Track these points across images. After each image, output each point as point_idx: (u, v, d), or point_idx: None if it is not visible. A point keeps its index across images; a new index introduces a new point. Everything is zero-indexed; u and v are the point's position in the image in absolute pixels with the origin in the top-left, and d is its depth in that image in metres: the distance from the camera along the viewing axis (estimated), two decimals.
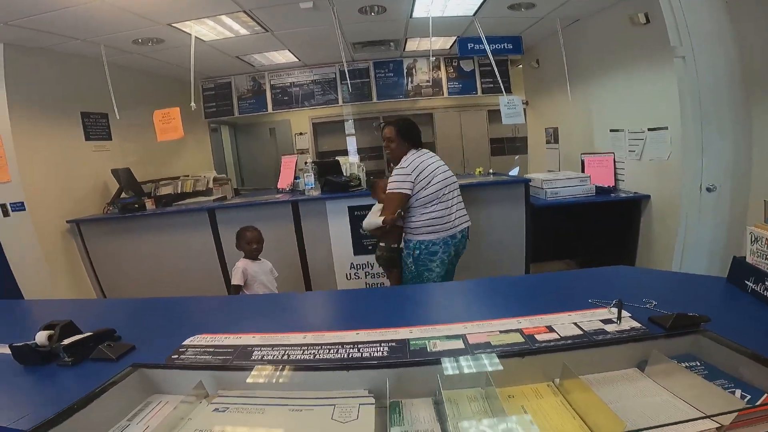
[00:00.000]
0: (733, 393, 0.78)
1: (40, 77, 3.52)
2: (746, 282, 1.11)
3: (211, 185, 4.14)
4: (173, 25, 3.39)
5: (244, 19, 3.55)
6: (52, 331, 1.04)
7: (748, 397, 0.77)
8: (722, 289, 1.18)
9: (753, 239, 1.09)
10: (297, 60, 5.20)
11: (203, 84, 5.57)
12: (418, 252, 2.42)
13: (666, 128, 3.12)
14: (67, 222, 3.63)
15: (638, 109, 3.42)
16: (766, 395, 0.76)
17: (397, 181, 2.36)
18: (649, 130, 3.29)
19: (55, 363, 1.02)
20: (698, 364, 0.89)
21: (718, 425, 0.71)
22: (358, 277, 3.54)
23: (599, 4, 3.59)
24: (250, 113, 5.70)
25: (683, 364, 0.88)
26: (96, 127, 4.05)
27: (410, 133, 2.48)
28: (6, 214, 3.34)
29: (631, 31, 3.30)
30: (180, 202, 3.92)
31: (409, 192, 2.35)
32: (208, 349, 1.03)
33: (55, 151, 3.63)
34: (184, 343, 1.07)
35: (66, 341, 1.02)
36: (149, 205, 3.76)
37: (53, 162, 3.60)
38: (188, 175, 4.35)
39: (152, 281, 3.66)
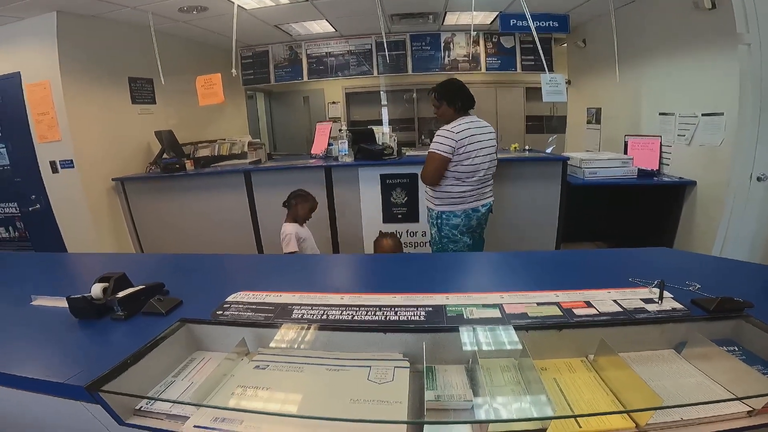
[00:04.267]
0: None
1: (91, 43, 3.63)
2: None
3: (246, 149, 4.22)
4: None
5: None
6: (106, 284, 1.05)
7: None
8: (766, 277, 1.15)
9: None
10: (334, 30, 5.14)
11: (242, 52, 5.62)
12: (440, 221, 2.42)
13: (722, 114, 2.97)
14: (113, 180, 3.80)
15: (692, 94, 3.26)
16: None
17: (440, 142, 2.27)
18: (702, 115, 3.14)
19: (109, 317, 1.03)
20: (737, 349, 0.89)
21: (750, 408, 0.72)
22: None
23: None
24: (286, 81, 5.73)
25: (723, 348, 0.87)
26: (142, 91, 4.18)
27: (454, 95, 2.37)
28: (55, 170, 3.54)
29: (693, 16, 3.13)
30: (217, 164, 4.03)
31: (449, 156, 2.26)
32: (251, 306, 1.05)
33: (103, 113, 3.76)
34: (227, 299, 1.08)
35: (120, 294, 1.04)
36: (189, 166, 3.89)
37: (101, 123, 3.74)
38: (225, 139, 4.44)
39: (189, 239, 3.82)
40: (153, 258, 2.20)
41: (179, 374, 0.91)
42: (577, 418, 0.73)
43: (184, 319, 0.99)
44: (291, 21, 4.64)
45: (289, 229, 2.70)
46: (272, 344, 0.96)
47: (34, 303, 1.15)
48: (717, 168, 3.02)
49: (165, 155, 4.05)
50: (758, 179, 2.81)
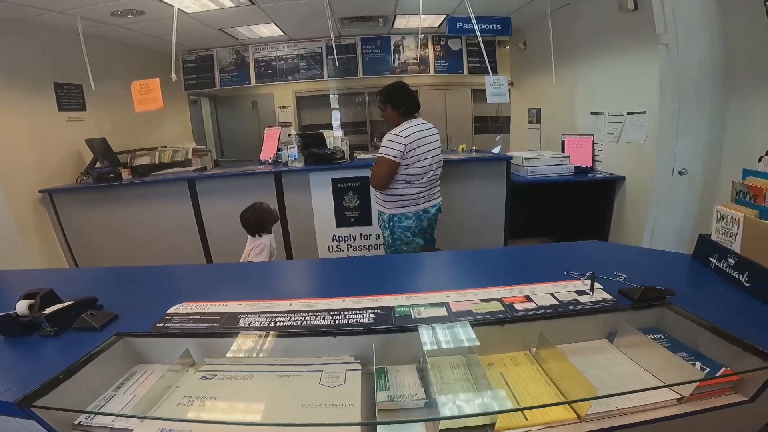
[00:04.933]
0: (694, 365, 0.83)
1: (14, 49, 3.39)
2: (710, 259, 1.17)
3: (190, 156, 4.04)
4: None
5: None
6: (32, 301, 1.01)
7: (707, 369, 0.82)
8: (688, 265, 1.24)
9: (719, 217, 1.15)
10: (283, 34, 5.05)
11: (184, 56, 5.39)
12: (392, 224, 2.44)
13: (644, 113, 3.20)
14: (40, 192, 3.51)
15: (619, 93, 3.48)
16: (724, 368, 0.80)
17: (388, 146, 2.28)
18: (628, 114, 3.37)
19: (37, 334, 0.98)
20: (662, 336, 0.95)
21: (679, 396, 0.77)
22: (340, 249, 3.57)
23: None
24: (232, 86, 5.56)
25: (649, 336, 0.93)
26: (69, 97, 3.90)
27: (398, 99, 2.39)
28: None
29: (619, 17, 3.33)
30: (158, 173, 3.83)
31: (398, 160, 2.28)
32: (193, 317, 1.02)
33: (27, 121, 3.49)
34: (168, 311, 1.05)
35: (48, 310, 1.00)
36: (125, 175, 3.66)
37: (25, 132, 3.47)
38: (166, 146, 4.23)
39: (129, 252, 3.60)
40: (86, 272, 2.10)
41: (120, 388, 0.88)
42: (524, 411, 0.77)
43: (121, 333, 0.96)
44: (237, 25, 4.49)
45: (265, 240, 2.63)
46: (219, 354, 0.93)
47: None
48: (643, 164, 3.25)
49: (98, 164, 3.79)
50: (680, 173, 3.06)
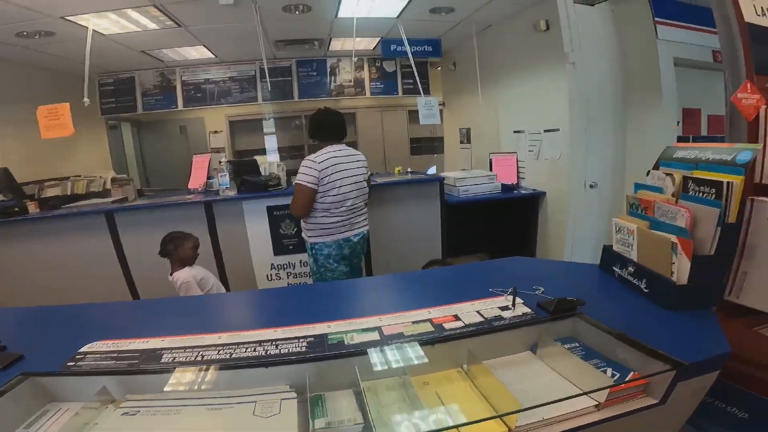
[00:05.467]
0: (605, 372, 0.89)
1: None
2: (614, 268, 1.28)
3: (109, 186, 3.74)
4: (67, 18, 3.02)
5: (154, 14, 3.26)
6: None
7: (617, 375, 0.88)
8: (596, 275, 1.35)
9: (617, 229, 1.28)
10: (213, 56, 4.92)
11: (100, 78, 5.03)
12: (314, 252, 2.43)
13: (558, 130, 3.45)
14: None
15: (537, 112, 3.72)
16: (632, 373, 0.87)
17: (303, 172, 2.26)
18: (545, 131, 3.62)
19: None
20: (578, 345, 1.01)
21: (596, 402, 0.81)
22: (280, 278, 3.46)
23: (510, 10, 3.82)
24: (157, 110, 5.27)
25: (566, 346, 0.99)
26: None
27: (318, 125, 2.40)
28: None
29: (534, 38, 3.56)
30: (71, 205, 3.49)
31: (313, 187, 2.26)
32: (110, 355, 0.96)
33: None
34: (81, 350, 0.99)
35: None
36: (32, 208, 3.30)
37: None
38: (80, 176, 3.89)
39: (41, 292, 3.21)
40: None
41: (30, 426, 0.81)
42: (459, 428, 0.78)
43: (27, 372, 0.89)
44: (162, 47, 4.31)
45: (184, 275, 2.44)
46: (142, 391, 0.88)
47: None
48: (559, 179, 3.50)
49: (1, 197, 3.39)
50: (591, 186, 3.36)
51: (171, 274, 2.53)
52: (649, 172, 1.30)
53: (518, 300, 1.12)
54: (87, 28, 3.08)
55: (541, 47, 3.49)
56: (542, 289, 1.19)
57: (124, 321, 1.27)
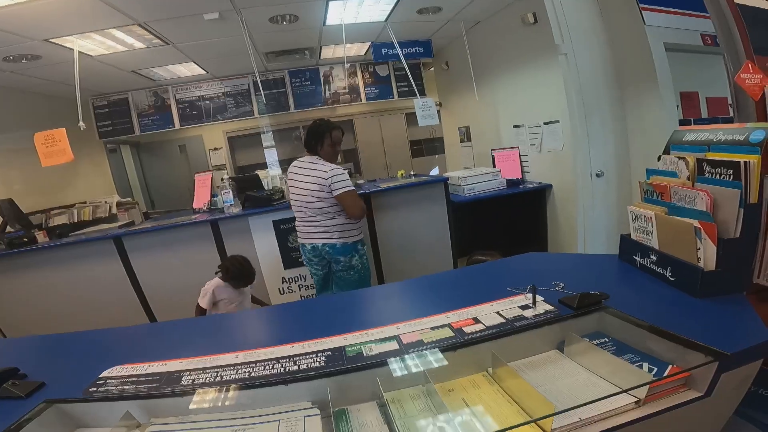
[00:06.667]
0: (642, 366, 0.86)
1: None
2: (635, 257, 1.24)
3: (114, 211, 3.76)
4: (51, 40, 3.02)
5: (140, 33, 3.27)
6: None
7: (655, 369, 0.85)
8: (616, 266, 1.31)
9: (633, 217, 1.25)
10: (204, 72, 4.92)
11: (94, 101, 5.02)
12: (361, 248, 2.59)
13: (558, 121, 3.42)
14: None
15: (534, 105, 3.70)
16: (670, 366, 0.83)
17: (345, 178, 2.43)
18: (544, 124, 3.60)
19: None
20: (606, 340, 0.97)
21: (636, 399, 0.78)
22: (292, 291, 3.45)
23: (495, 5, 3.82)
24: (154, 130, 5.26)
25: (594, 341, 0.96)
26: None
27: (304, 140, 2.58)
28: None
29: (523, 31, 3.56)
30: (79, 232, 3.50)
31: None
32: (130, 379, 0.96)
33: None
34: (101, 375, 0.99)
35: None
36: (41, 237, 3.31)
37: None
38: (85, 202, 3.90)
39: (58, 317, 3.22)
40: (5, 342, 1.98)
41: None
42: None
43: (51, 399, 0.90)
44: (152, 66, 4.31)
45: (212, 284, 2.49)
46: (164, 414, 0.88)
47: None
48: (564, 170, 3.47)
49: (9, 228, 3.40)
50: (597, 175, 3.32)
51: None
52: (660, 157, 1.27)
53: (538, 297, 1.09)
54: (73, 50, 3.09)
55: (532, 40, 3.49)
56: (562, 285, 1.16)
57: (141, 344, 1.27)
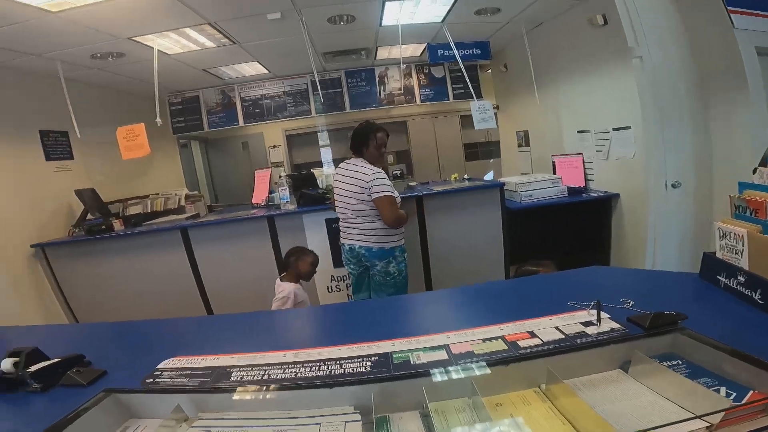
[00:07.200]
0: (718, 391, 0.78)
1: None
2: (718, 277, 1.12)
3: (183, 203, 4.02)
4: (133, 38, 3.29)
5: (210, 32, 3.48)
6: (17, 359, 1.02)
7: (734, 394, 0.77)
8: (696, 286, 1.19)
9: (721, 235, 1.11)
10: (267, 71, 5.14)
11: (169, 98, 5.44)
12: (400, 254, 2.58)
13: (629, 128, 3.21)
14: (32, 246, 3.44)
15: (602, 110, 3.51)
16: (751, 392, 0.75)
17: (387, 183, 2.46)
18: (613, 129, 3.38)
19: (23, 390, 0.99)
20: (680, 362, 0.89)
21: (708, 424, 0.70)
22: (339, 290, 3.50)
23: (560, 6, 3.67)
24: (221, 127, 5.59)
25: (665, 363, 0.88)
26: (56, 146, 3.89)
27: (350, 143, 2.63)
28: None
29: (591, 33, 3.39)
30: (150, 222, 3.78)
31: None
32: (184, 372, 1.00)
33: (15, 172, 3.46)
34: (158, 366, 1.03)
35: (32, 368, 1.01)
36: (117, 225, 3.62)
37: (13, 184, 3.43)
38: (158, 194, 4.21)
39: (127, 304, 3.51)
40: (74, 329, 2.09)
41: None
42: None
43: (110, 389, 0.93)
44: (220, 65, 4.58)
45: (290, 288, 2.56)
46: (212, 409, 0.90)
47: None
48: (635, 179, 3.23)
49: (90, 216, 3.74)
50: (672, 186, 3.04)
51: (281, 279, 2.68)
52: (756, 169, 1.13)
53: (604, 314, 1.01)
54: (152, 48, 3.34)
55: (601, 43, 3.34)
56: (632, 302, 1.07)
57: (197, 336, 1.32)
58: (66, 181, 3.89)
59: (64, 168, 3.95)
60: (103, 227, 3.49)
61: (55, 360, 1.05)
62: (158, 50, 3.40)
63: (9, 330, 1.58)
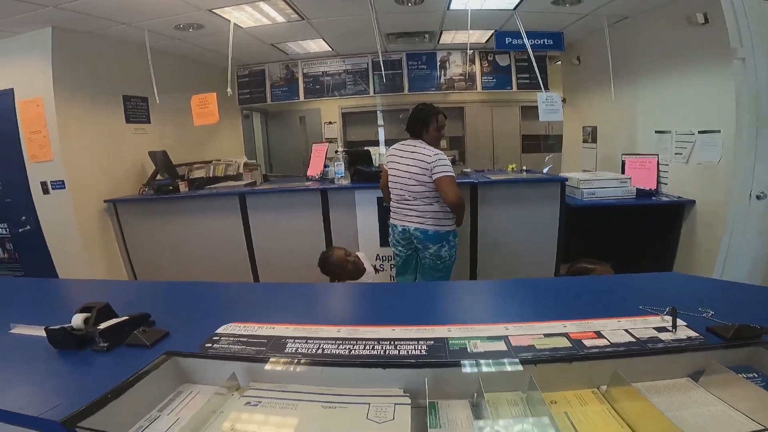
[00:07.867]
0: None
1: (85, 60, 3.61)
2: None
3: (241, 170, 4.20)
4: (214, 11, 3.43)
5: (282, 6, 3.55)
6: (88, 314, 1.00)
7: None
8: None
9: None
10: (330, 49, 5.21)
11: (238, 71, 5.66)
12: (453, 239, 2.58)
13: (719, 131, 2.99)
14: (105, 202, 3.73)
15: (688, 111, 3.29)
16: None
17: (448, 164, 2.46)
18: (699, 132, 3.15)
19: (90, 348, 0.98)
20: (756, 375, 0.84)
21: None
22: (383, 269, 3.53)
23: (652, 2, 3.44)
24: (282, 101, 5.77)
25: (742, 375, 0.83)
26: (136, 110, 4.16)
27: (407, 124, 2.61)
28: (46, 191, 3.46)
29: (686, 31, 3.19)
30: (212, 186, 3.99)
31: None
32: (241, 339, 1.00)
33: (97, 133, 3.73)
34: (217, 331, 1.04)
35: (102, 325, 0.99)
36: (183, 187, 3.85)
37: (94, 143, 3.70)
38: (220, 160, 4.42)
39: (183, 264, 3.74)
40: (140, 286, 2.15)
41: (165, 408, 0.85)
42: None
43: (171, 352, 0.94)
44: (287, 40, 4.69)
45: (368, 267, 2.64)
46: (265, 379, 0.91)
47: (12, 331, 1.10)
48: (716, 187, 3.01)
49: (159, 176, 4.00)
50: (758, 197, 2.79)
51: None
52: None
53: (680, 322, 0.96)
54: (229, 21, 3.46)
55: (697, 42, 3.13)
56: (711, 312, 1.01)
57: (255, 303, 1.34)
58: (141, 143, 4.16)
59: (141, 131, 4.23)
60: (171, 187, 3.72)
61: (124, 318, 1.04)
62: (234, 23, 3.52)
63: (77, 284, 1.64)
